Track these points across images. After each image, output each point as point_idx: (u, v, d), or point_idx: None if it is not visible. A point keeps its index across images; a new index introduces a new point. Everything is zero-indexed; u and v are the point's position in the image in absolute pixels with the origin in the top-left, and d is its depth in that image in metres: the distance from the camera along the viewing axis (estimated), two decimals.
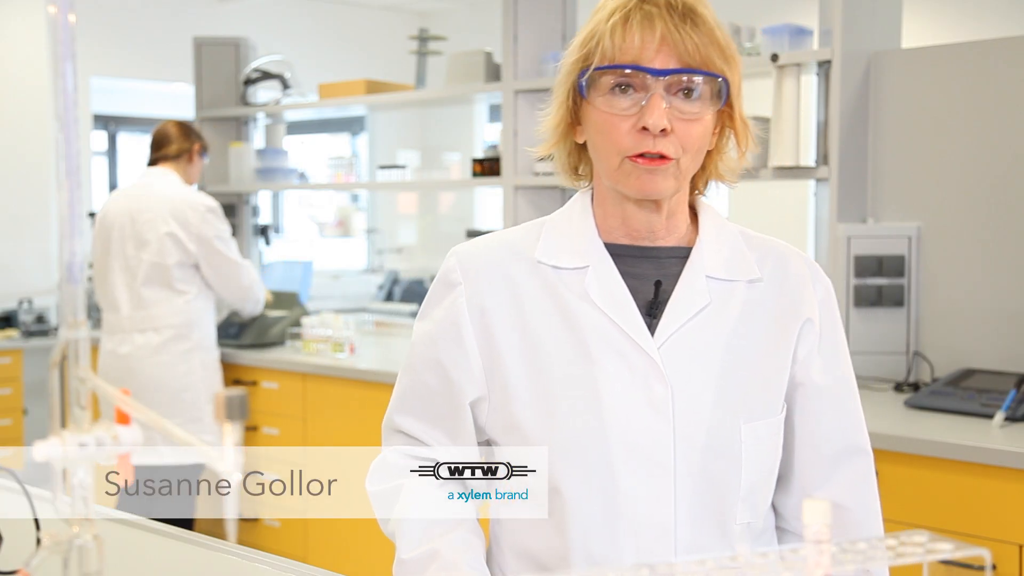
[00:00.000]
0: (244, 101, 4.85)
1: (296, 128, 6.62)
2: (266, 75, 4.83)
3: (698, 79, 1.17)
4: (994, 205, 2.93)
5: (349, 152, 7.63)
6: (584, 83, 1.20)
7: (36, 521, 1.32)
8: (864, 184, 3.14)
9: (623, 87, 1.18)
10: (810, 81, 3.21)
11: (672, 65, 1.16)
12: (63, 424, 0.76)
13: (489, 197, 6.84)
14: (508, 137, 3.80)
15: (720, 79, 1.19)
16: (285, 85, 4.82)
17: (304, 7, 7.31)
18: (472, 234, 5.06)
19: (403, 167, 4.53)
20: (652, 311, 1.24)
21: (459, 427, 1.30)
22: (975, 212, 2.96)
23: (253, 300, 3.98)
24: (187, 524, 3.73)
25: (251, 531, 4.02)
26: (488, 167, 3.97)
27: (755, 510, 1.24)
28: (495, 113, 6.69)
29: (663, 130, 1.16)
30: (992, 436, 2.40)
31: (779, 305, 1.27)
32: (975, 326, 2.95)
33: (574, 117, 1.26)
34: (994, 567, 2.28)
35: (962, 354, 2.96)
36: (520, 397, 1.24)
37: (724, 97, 1.20)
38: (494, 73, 4.00)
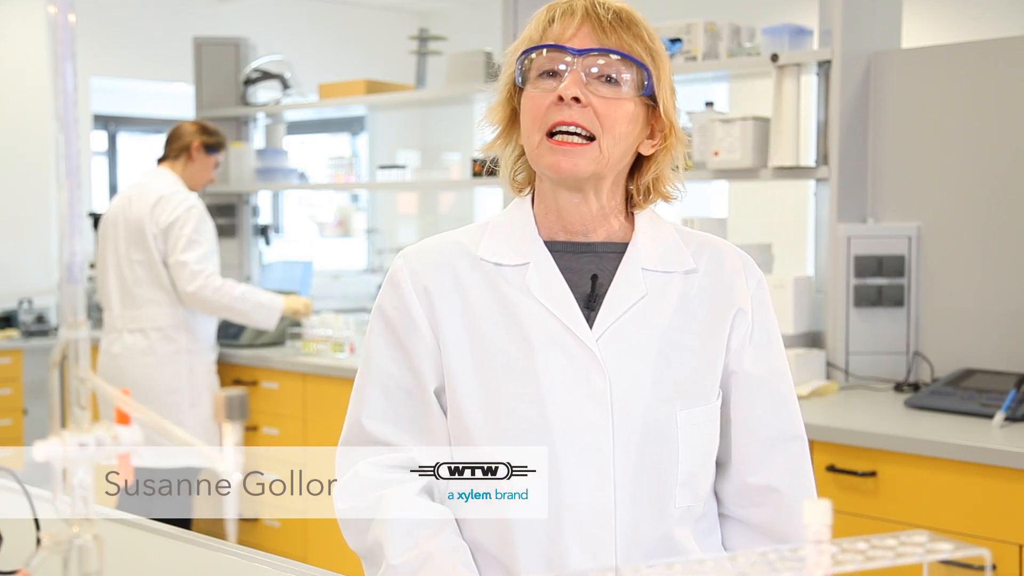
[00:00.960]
0: (244, 101, 4.85)
1: (296, 128, 6.62)
2: (266, 75, 4.83)
3: (617, 61, 1.24)
4: (994, 205, 2.93)
5: (349, 152, 7.63)
6: (518, 73, 1.28)
7: (36, 521, 1.32)
8: (864, 184, 3.14)
9: (550, 72, 1.26)
10: (810, 81, 3.21)
11: (591, 46, 1.24)
12: (63, 424, 0.76)
13: (489, 197, 6.84)
14: None
15: (640, 65, 1.24)
16: (285, 85, 4.82)
17: (304, 7, 7.31)
18: None
19: (403, 167, 4.53)
20: (590, 304, 1.29)
21: (430, 425, 1.32)
22: (975, 212, 2.96)
23: (220, 309, 3.68)
24: (186, 524, 3.73)
25: (251, 531, 4.02)
26: (488, 167, 3.96)
27: (695, 494, 1.29)
28: None
29: (576, 99, 1.22)
30: (992, 436, 2.40)
31: (714, 296, 1.32)
32: (975, 326, 2.95)
33: (515, 118, 1.33)
34: (994, 567, 2.28)
35: (962, 354, 2.95)
36: (464, 390, 1.28)
37: (647, 88, 1.25)
38: (494, 73, 4.00)
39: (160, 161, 3.83)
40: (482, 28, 6.33)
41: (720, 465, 1.35)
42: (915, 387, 2.95)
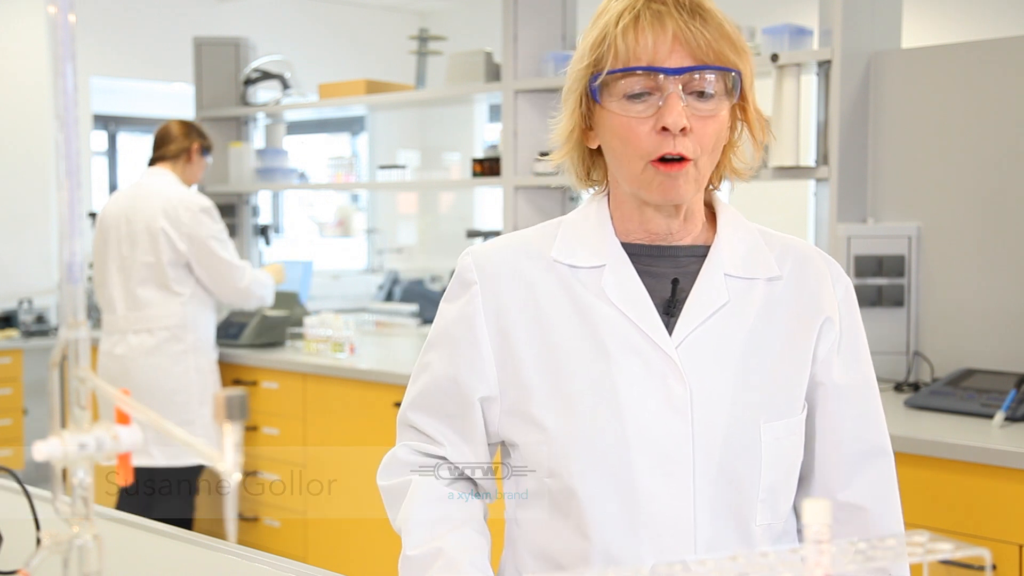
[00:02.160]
0: (244, 101, 4.85)
1: (296, 128, 6.62)
2: (266, 75, 4.83)
3: (712, 76, 1.16)
4: (994, 205, 2.93)
5: (349, 152, 7.63)
6: (597, 88, 1.19)
7: (36, 521, 1.32)
8: (864, 184, 3.14)
9: (639, 90, 1.17)
10: (810, 81, 3.21)
11: (687, 63, 1.15)
12: (63, 424, 0.76)
13: (489, 197, 6.84)
14: (508, 137, 3.80)
15: (734, 73, 1.18)
16: (285, 85, 4.82)
17: (304, 7, 7.31)
18: (472, 234, 5.06)
19: (403, 167, 4.53)
20: (670, 310, 1.24)
21: (469, 425, 1.30)
22: (975, 212, 2.96)
23: (256, 299, 3.88)
24: (187, 524, 3.73)
25: (251, 531, 4.02)
26: (488, 167, 3.96)
27: (776, 511, 1.24)
28: (495, 113, 6.69)
29: (683, 129, 1.15)
30: (992, 436, 2.40)
31: (799, 303, 1.26)
32: (975, 326, 2.95)
33: (587, 123, 1.25)
34: (994, 567, 2.28)
35: (962, 354, 2.95)
36: (538, 396, 1.23)
37: (738, 91, 1.19)
38: (494, 73, 4.00)
39: (158, 161, 3.84)
40: (482, 28, 6.33)
41: (803, 480, 1.28)
42: (915, 387, 2.95)
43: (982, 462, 2.31)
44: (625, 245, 1.26)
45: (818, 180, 3.17)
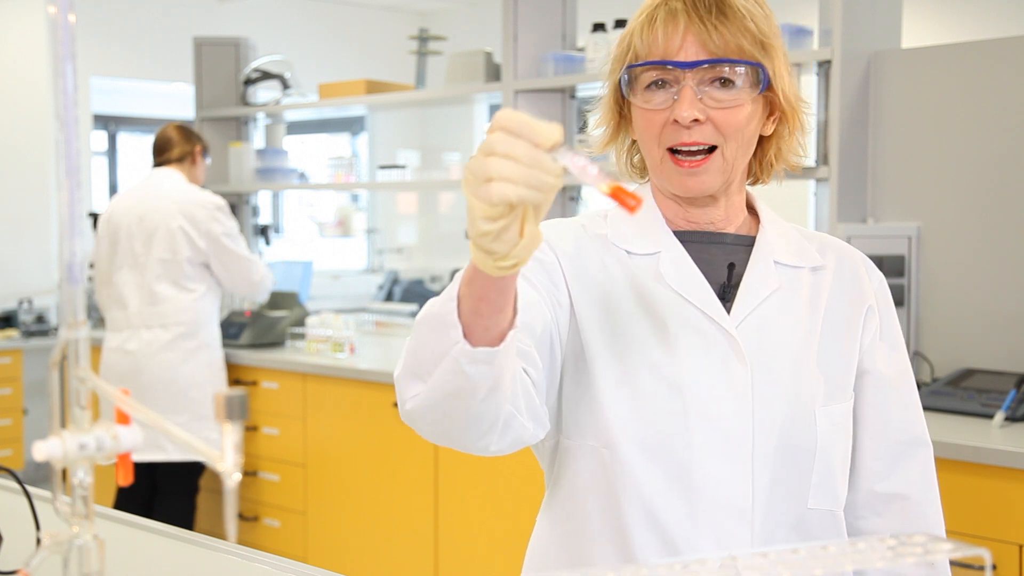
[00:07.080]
0: (244, 101, 4.85)
1: (296, 128, 6.62)
2: (266, 75, 4.83)
3: (731, 68, 1.18)
4: (994, 205, 2.93)
5: (349, 152, 7.63)
6: (623, 82, 1.23)
7: (36, 521, 1.32)
8: (864, 184, 3.14)
9: (658, 83, 1.20)
10: (810, 81, 3.21)
11: (701, 57, 1.18)
12: (63, 424, 0.76)
13: None
14: None
15: (754, 66, 1.20)
16: (285, 85, 4.82)
17: (304, 7, 7.31)
18: None
19: (403, 167, 4.53)
20: (724, 294, 1.25)
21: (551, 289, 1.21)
22: (975, 212, 2.96)
23: (264, 291, 4.01)
24: (187, 524, 3.74)
25: (251, 531, 4.02)
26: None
27: (831, 497, 1.24)
28: (495, 113, 6.69)
29: (695, 120, 1.17)
30: (992, 436, 2.40)
31: (843, 292, 1.29)
32: (975, 326, 2.95)
33: (624, 115, 1.28)
34: (994, 567, 2.28)
35: (962, 354, 2.95)
36: (600, 369, 1.21)
37: (763, 83, 1.21)
38: (494, 73, 4.00)
39: (162, 165, 3.89)
40: (482, 28, 6.34)
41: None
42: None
43: (982, 462, 2.31)
44: (675, 232, 1.27)
45: (818, 180, 3.17)
